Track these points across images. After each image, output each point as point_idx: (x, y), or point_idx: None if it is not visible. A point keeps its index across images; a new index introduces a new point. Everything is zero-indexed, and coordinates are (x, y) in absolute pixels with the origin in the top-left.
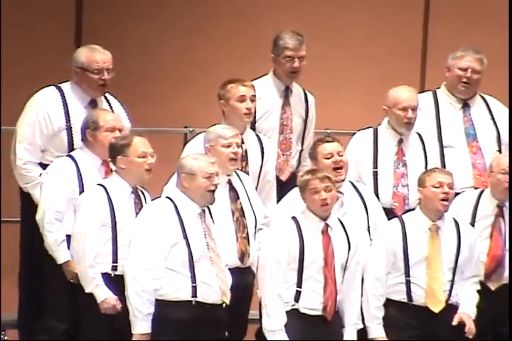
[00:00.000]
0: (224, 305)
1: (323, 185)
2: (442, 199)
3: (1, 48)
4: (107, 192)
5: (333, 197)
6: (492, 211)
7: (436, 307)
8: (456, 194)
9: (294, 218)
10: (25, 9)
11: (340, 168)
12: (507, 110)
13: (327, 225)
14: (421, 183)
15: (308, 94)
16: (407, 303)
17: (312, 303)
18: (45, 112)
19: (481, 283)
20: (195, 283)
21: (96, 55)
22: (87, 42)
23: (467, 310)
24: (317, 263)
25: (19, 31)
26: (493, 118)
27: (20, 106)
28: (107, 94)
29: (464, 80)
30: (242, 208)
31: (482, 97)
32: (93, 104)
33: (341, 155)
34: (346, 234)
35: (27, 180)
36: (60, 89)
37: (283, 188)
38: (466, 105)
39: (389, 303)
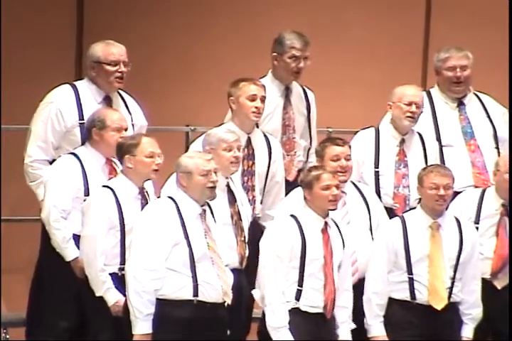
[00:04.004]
0: (225, 304)
1: (336, 182)
2: (438, 200)
3: (1, 45)
4: (115, 195)
5: (340, 195)
6: (497, 210)
7: (439, 305)
8: (457, 193)
9: (293, 216)
10: (26, 6)
11: (345, 172)
12: (501, 107)
13: (326, 223)
14: (419, 181)
15: (307, 90)
16: (409, 302)
17: (313, 301)
18: (57, 109)
19: (487, 282)
20: (196, 282)
21: (112, 48)
22: (88, 39)
23: (470, 333)
24: (318, 261)
25: (20, 29)
26: (488, 116)
27: (20, 104)
28: (121, 91)
29: (455, 80)
30: (239, 211)
31: (476, 95)
32: (107, 100)
33: (348, 160)
34: (340, 233)
35: (32, 178)
36: (74, 87)
37: (291, 188)
38: (461, 104)
39: (391, 302)
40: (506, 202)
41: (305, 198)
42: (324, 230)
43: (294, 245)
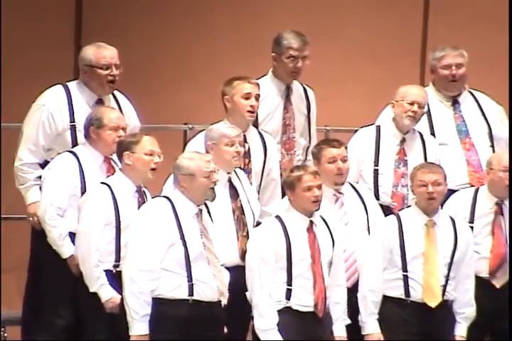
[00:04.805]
0: (222, 304)
1: (317, 182)
2: (428, 198)
3: (0, 44)
4: (112, 191)
5: (322, 194)
6: (491, 209)
7: (433, 302)
8: (453, 191)
9: (278, 217)
10: (26, 6)
11: (342, 174)
12: (496, 105)
13: (311, 222)
14: (410, 180)
15: (307, 89)
16: (404, 299)
17: (303, 301)
18: (48, 112)
19: (485, 281)
20: (191, 281)
21: (103, 51)
22: (86, 39)
23: (463, 332)
24: (305, 261)
25: (19, 29)
26: (483, 114)
27: (19, 102)
28: (116, 92)
29: (451, 78)
30: (242, 206)
31: (471, 93)
32: (100, 103)
33: (345, 161)
34: (329, 230)
35: (22, 182)
36: (67, 88)
37: None
38: (455, 102)
39: (385, 300)
40: (500, 201)
41: (289, 199)
42: (310, 229)
43: (278, 247)
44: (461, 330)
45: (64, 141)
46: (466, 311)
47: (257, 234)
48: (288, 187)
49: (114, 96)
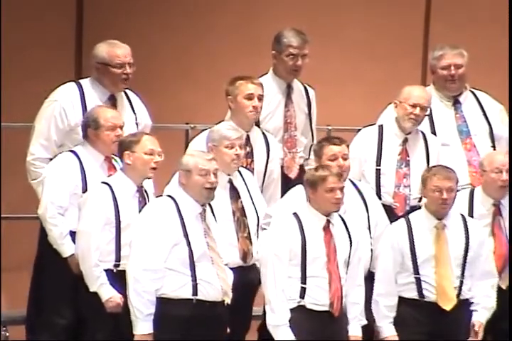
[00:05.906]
0: (225, 302)
1: (341, 185)
2: (441, 204)
3: (1, 44)
4: (112, 191)
5: (343, 197)
6: (488, 210)
7: (448, 305)
8: None
9: (295, 214)
10: (26, 6)
11: (343, 171)
12: (498, 104)
13: (329, 221)
14: (422, 183)
15: (308, 88)
16: (418, 300)
17: (318, 299)
18: (61, 108)
19: None
20: (195, 281)
21: (117, 50)
22: (87, 38)
23: (481, 318)
24: (320, 260)
25: (19, 27)
26: (484, 114)
27: (19, 102)
28: (127, 90)
29: (450, 78)
30: (243, 207)
31: (472, 93)
32: (112, 99)
33: (345, 159)
34: (347, 230)
35: (34, 176)
36: (80, 85)
37: (292, 185)
38: (457, 102)
39: (400, 301)
40: (497, 202)
41: (308, 197)
42: (326, 228)
43: (293, 244)
44: (479, 316)
45: (76, 137)
46: (481, 301)
47: (272, 231)
48: (310, 185)
49: (126, 95)
